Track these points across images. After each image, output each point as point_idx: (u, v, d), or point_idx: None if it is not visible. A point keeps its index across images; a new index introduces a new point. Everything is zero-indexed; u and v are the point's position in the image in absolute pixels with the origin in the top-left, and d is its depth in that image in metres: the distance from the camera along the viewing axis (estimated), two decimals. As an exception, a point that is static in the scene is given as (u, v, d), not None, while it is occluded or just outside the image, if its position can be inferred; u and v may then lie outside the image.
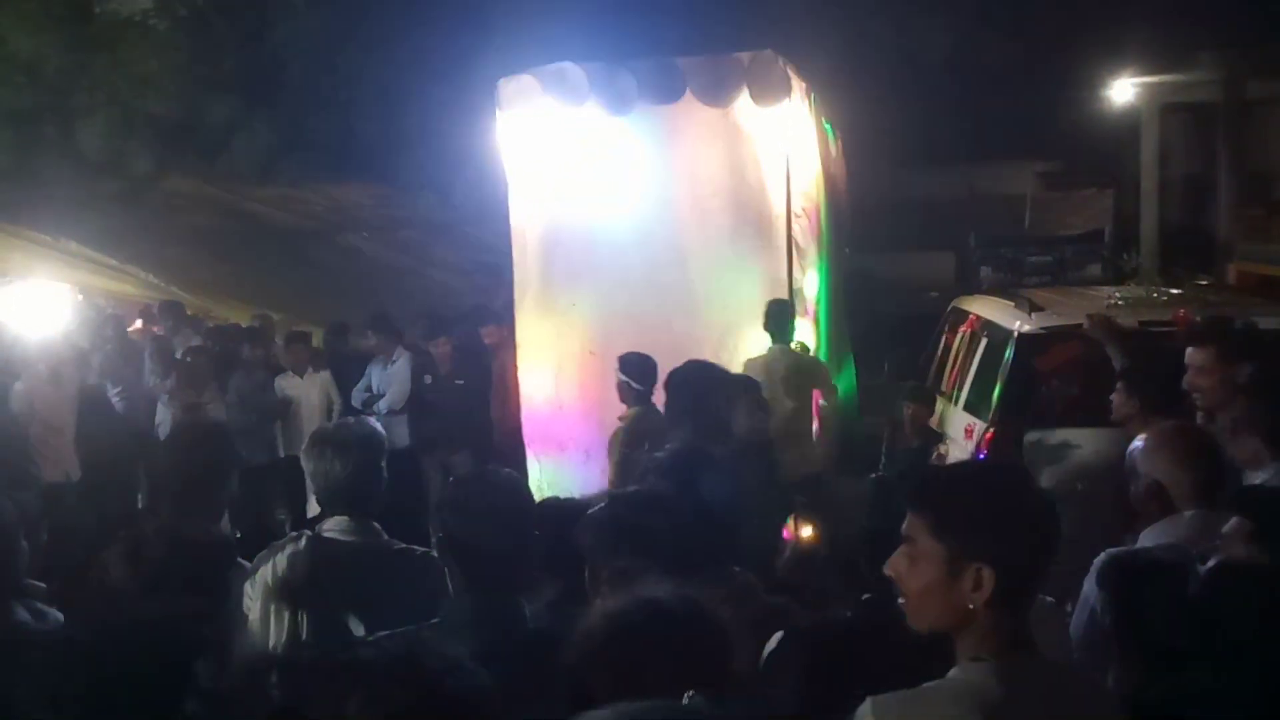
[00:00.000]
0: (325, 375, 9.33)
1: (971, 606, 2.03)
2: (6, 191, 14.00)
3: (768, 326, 7.04)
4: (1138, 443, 3.41)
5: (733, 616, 2.64)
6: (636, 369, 6.31)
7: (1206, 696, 2.34)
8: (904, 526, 2.12)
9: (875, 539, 2.68)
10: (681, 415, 4.82)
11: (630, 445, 6.15)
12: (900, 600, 2.14)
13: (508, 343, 8.11)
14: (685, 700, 1.95)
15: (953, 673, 2.07)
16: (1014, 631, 2.07)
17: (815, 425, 7.22)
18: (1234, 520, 2.75)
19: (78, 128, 15.98)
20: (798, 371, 6.98)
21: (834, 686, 2.39)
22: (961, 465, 2.51)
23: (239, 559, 3.51)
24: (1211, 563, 2.58)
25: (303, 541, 3.38)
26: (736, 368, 6.73)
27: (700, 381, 5.00)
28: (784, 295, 7.19)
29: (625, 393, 6.33)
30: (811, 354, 7.34)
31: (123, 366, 9.52)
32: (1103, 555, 3.06)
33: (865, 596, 2.75)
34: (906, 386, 7.61)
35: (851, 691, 2.12)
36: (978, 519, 2.06)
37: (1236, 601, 2.43)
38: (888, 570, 2.14)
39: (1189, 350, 4.37)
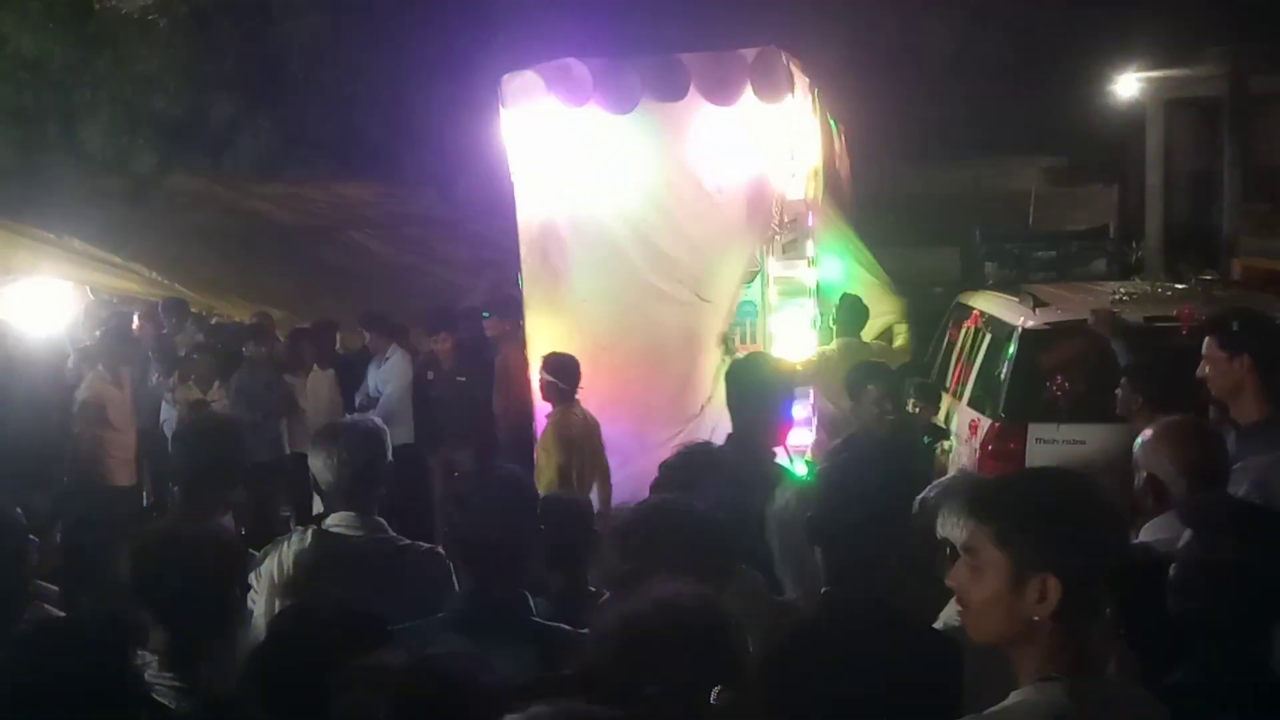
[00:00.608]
0: (330, 373, 9.34)
1: (1036, 619, 1.98)
2: (10, 189, 14.00)
3: (837, 319, 7.20)
4: (1141, 437, 3.38)
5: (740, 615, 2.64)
6: (559, 368, 6.43)
7: (1190, 696, 2.31)
8: (965, 537, 2.06)
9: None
10: (734, 411, 4.59)
11: (563, 447, 6.19)
12: (958, 611, 2.09)
13: (510, 336, 8.10)
14: (714, 698, 1.97)
15: (1020, 694, 2.01)
16: (1082, 648, 2.01)
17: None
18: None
19: (81, 126, 16.00)
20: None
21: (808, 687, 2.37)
22: (1025, 472, 2.32)
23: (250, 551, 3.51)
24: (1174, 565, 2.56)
25: (308, 536, 3.38)
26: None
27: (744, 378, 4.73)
28: (792, 291, 7.20)
29: (550, 392, 6.40)
30: (890, 348, 7.43)
31: (126, 365, 9.53)
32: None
33: (824, 590, 2.71)
34: (912, 383, 7.59)
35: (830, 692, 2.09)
36: (1044, 526, 2.00)
37: (1196, 600, 2.41)
38: (949, 582, 2.09)
39: (1205, 341, 4.35)
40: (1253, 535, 2.42)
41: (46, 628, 2.68)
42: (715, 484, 3.40)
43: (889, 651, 2.12)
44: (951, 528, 2.09)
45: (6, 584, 2.98)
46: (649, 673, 2.02)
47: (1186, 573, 2.43)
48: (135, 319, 10.82)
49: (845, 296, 7.29)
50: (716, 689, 2.01)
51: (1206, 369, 4.19)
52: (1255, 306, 5.95)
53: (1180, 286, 7.72)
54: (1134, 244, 12.38)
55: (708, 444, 4.08)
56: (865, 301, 7.52)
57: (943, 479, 3.23)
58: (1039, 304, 6.98)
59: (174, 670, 2.67)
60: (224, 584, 2.82)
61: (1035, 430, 6.37)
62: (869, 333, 7.63)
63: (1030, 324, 6.84)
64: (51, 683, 2.21)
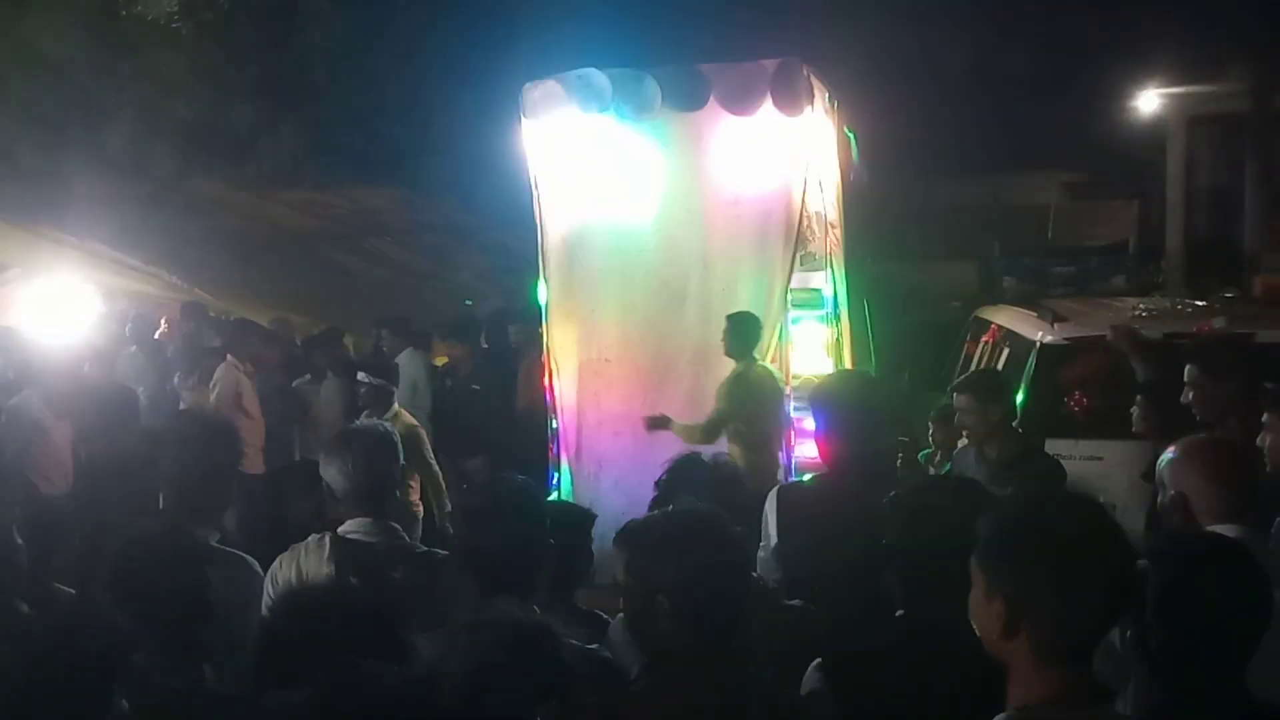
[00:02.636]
0: (340, 381, 9.32)
1: (996, 640, 1.98)
2: (32, 191, 14.11)
3: (729, 341, 6.77)
4: (1169, 454, 3.25)
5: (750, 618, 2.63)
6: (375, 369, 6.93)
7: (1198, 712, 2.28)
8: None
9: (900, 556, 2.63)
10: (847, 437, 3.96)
11: None
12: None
13: (533, 343, 8.11)
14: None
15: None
16: (1063, 686, 1.94)
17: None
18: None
19: (103, 129, 16.11)
20: (759, 392, 6.78)
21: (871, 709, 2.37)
22: (1018, 494, 2.22)
23: (246, 559, 3.50)
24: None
25: (326, 543, 3.38)
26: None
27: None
28: (811, 304, 7.15)
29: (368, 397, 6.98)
30: (774, 374, 6.96)
31: (147, 367, 9.58)
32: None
33: (899, 613, 2.67)
34: (937, 406, 7.34)
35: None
36: (997, 547, 2.00)
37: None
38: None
39: (1187, 366, 4.33)
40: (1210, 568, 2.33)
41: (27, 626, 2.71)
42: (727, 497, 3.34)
43: (958, 677, 2.19)
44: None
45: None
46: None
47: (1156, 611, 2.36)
48: (163, 323, 10.87)
49: (733, 316, 6.82)
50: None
51: (1190, 394, 4.18)
52: (1242, 330, 5.92)
53: (1201, 303, 7.67)
54: (1156, 263, 12.33)
55: (695, 455, 3.94)
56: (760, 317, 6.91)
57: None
58: (1058, 319, 6.95)
59: (176, 671, 2.69)
60: (191, 587, 2.85)
61: (1052, 446, 6.33)
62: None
63: (1049, 339, 6.81)
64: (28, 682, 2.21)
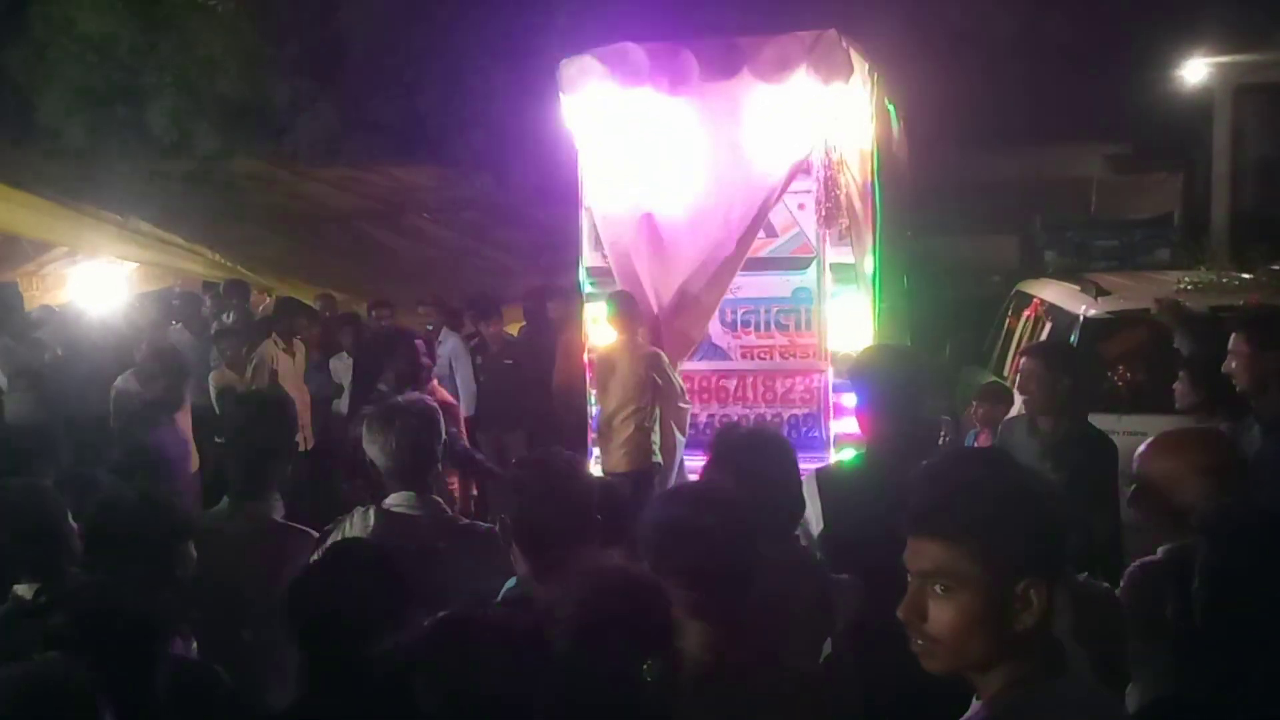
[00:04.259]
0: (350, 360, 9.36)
1: (1020, 629, 1.82)
2: (78, 170, 14.28)
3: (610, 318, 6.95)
4: (1144, 445, 3.12)
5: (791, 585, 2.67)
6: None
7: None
8: (932, 563, 1.85)
9: None
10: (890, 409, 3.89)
11: None
12: (918, 644, 1.88)
13: (573, 318, 8.13)
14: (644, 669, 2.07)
15: (1006, 702, 1.85)
16: (1050, 649, 1.88)
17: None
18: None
19: (146, 108, 16.27)
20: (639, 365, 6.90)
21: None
22: (958, 468, 1.97)
23: (310, 533, 3.56)
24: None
25: (371, 515, 3.42)
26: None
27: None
28: (847, 277, 7.10)
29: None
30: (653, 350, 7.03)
31: (192, 345, 9.67)
32: (1165, 547, 2.98)
33: None
34: (980, 384, 7.22)
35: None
36: (1016, 528, 1.81)
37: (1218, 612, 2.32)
38: (902, 615, 1.87)
39: (1232, 335, 4.27)
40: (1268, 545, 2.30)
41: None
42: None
43: None
44: (915, 556, 1.87)
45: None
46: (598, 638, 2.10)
47: (1207, 585, 2.34)
48: (207, 301, 10.95)
49: (615, 294, 6.99)
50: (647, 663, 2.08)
51: (1233, 364, 4.13)
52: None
53: (1247, 276, 7.55)
54: (1201, 237, 12.12)
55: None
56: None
57: None
58: (1101, 292, 6.86)
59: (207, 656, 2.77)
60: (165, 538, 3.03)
61: (1095, 421, 6.27)
62: None
63: (1092, 312, 6.73)
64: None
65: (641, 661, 2.09)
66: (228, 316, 10.00)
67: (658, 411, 7.01)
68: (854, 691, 2.89)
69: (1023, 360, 4.76)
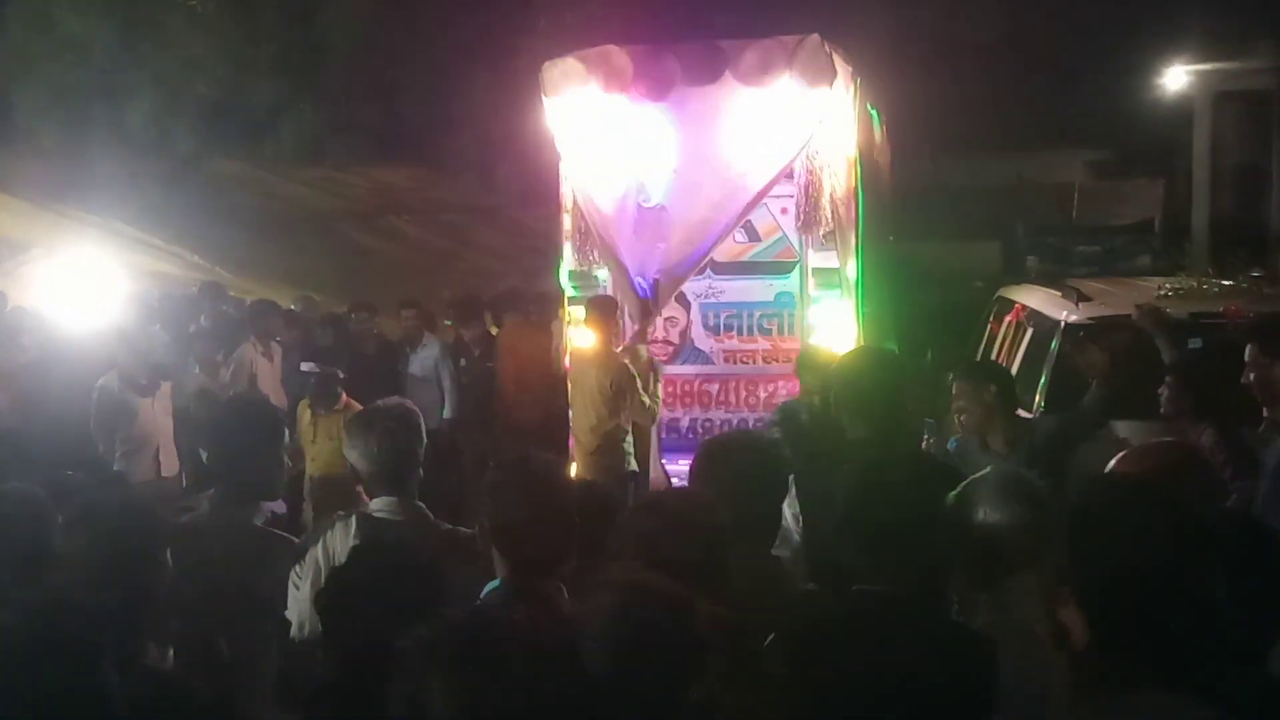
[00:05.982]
0: None
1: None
2: (55, 170, 14.18)
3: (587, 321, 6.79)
4: (1114, 461, 3.07)
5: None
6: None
7: None
8: None
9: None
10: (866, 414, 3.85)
11: None
12: None
13: (530, 331, 8.13)
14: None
15: None
16: None
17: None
18: None
19: (124, 108, 16.17)
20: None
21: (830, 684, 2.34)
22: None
23: (278, 534, 3.50)
24: None
25: (353, 522, 3.38)
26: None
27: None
28: (830, 281, 7.09)
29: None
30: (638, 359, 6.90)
31: (171, 347, 9.59)
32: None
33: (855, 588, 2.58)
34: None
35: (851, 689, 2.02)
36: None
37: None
38: None
39: (1247, 346, 4.26)
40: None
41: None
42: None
43: (913, 648, 2.15)
44: None
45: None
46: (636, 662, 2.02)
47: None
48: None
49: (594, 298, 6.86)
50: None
51: (1250, 375, 4.12)
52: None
53: (1227, 283, 7.58)
54: (1181, 242, 12.24)
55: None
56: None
57: (977, 475, 3.03)
58: (1082, 298, 6.86)
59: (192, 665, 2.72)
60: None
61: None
62: None
63: (1074, 318, 6.73)
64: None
65: (686, 685, 2.02)
66: (204, 319, 9.91)
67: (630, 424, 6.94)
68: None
69: (952, 386, 4.72)
